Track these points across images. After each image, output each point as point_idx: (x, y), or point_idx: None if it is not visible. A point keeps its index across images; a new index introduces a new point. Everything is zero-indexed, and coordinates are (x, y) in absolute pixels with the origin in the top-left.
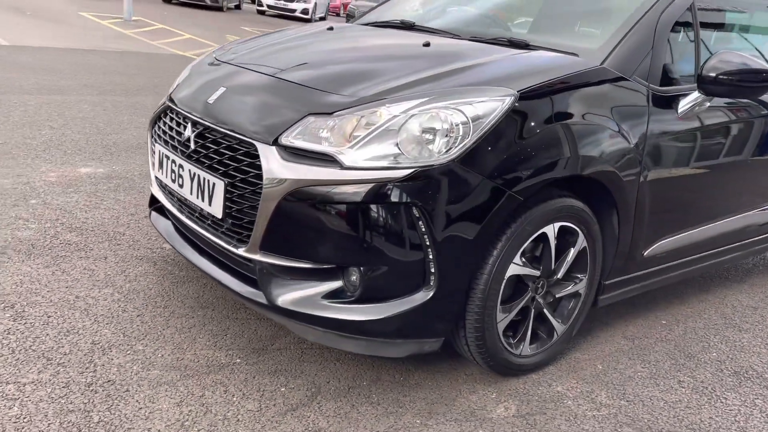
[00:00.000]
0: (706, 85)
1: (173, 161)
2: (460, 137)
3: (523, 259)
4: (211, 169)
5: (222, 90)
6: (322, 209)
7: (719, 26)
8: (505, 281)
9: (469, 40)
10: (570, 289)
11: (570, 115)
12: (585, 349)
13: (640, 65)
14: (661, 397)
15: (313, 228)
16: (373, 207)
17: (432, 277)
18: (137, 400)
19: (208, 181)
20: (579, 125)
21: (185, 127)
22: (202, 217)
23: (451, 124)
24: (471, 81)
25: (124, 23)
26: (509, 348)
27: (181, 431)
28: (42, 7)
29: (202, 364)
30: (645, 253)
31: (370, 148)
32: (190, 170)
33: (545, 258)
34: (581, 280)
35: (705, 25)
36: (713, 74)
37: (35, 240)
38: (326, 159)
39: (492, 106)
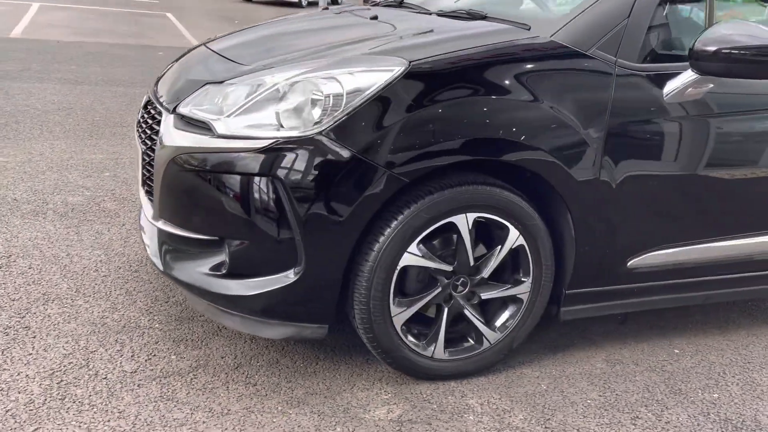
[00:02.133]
0: (702, 62)
1: None
2: (330, 108)
3: (424, 250)
4: (139, 138)
5: (171, 66)
6: (195, 177)
7: None
8: (397, 271)
9: (436, 14)
10: (501, 291)
11: (483, 92)
12: (542, 364)
13: (606, 38)
14: (594, 431)
15: (190, 197)
16: (236, 178)
17: (301, 258)
18: (32, 346)
19: (138, 149)
20: (496, 104)
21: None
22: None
23: (325, 94)
24: (374, 50)
25: None
26: (414, 347)
27: (46, 380)
28: (250, 16)
29: (119, 324)
30: (628, 264)
31: (247, 117)
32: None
33: (460, 252)
34: (522, 283)
35: None
36: (712, 48)
37: (78, 204)
38: (206, 127)
39: (376, 76)
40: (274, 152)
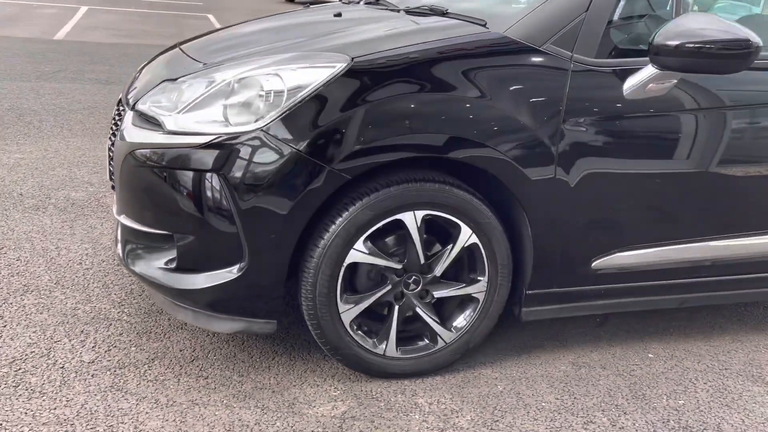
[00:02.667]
0: (662, 56)
1: None
2: (272, 104)
3: (371, 247)
4: (109, 134)
5: (144, 65)
6: (146, 173)
7: None
8: (344, 268)
9: (403, 11)
10: (454, 290)
11: (427, 88)
12: (504, 365)
13: (562, 32)
14: None
15: (143, 192)
16: (181, 173)
17: (245, 254)
18: (0, 336)
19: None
20: (440, 100)
21: None
22: None
23: (266, 91)
24: (324, 47)
25: None
26: (364, 345)
27: (5, 368)
28: None
29: (89, 316)
30: (593, 265)
31: (196, 113)
32: None
33: (409, 250)
34: (477, 282)
35: None
36: (673, 42)
37: (79, 200)
38: (159, 123)
39: (318, 73)
40: (216, 148)
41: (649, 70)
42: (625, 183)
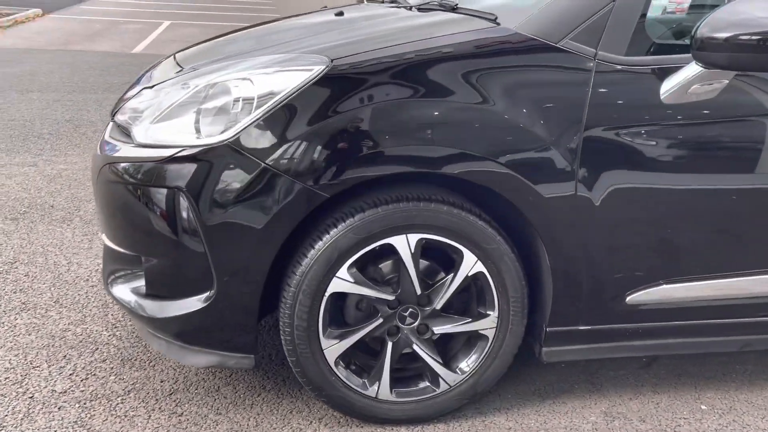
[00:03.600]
0: (708, 52)
1: None
2: (240, 113)
3: (357, 275)
4: None
5: (142, 74)
6: (115, 188)
7: None
8: (326, 298)
9: (415, 7)
10: (457, 326)
11: (419, 93)
12: (522, 413)
13: (584, 26)
14: None
15: (113, 209)
16: (146, 189)
17: (213, 280)
18: None
19: None
20: (433, 107)
21: None
22: None
23: (235, 98)
24: (307, 47)
25: None
26: (353, 385)
27: None
28: None
29: (78, 339)
30: (627, 300)
31: (169, 123)
32: None
33: (403, 279)
34: (485, 316)
35: None
36: (722, 35)
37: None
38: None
39: (293, 77)
40: (180, 162)
41: (692, 69)
42: (664, 202)
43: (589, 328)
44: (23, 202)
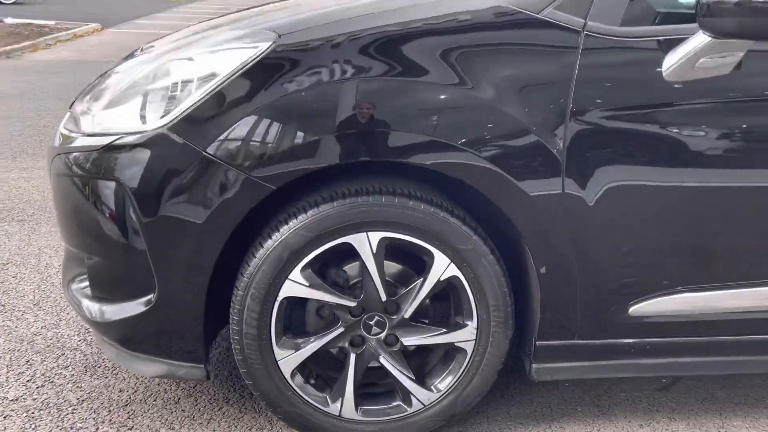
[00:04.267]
0: (716, 18)
1: None
2: (179, 96)
3: (313, 278)
4: None
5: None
6: (61, 182)
7: None
8: (278, 303)
9: None
10: (429, 337)
11: (378, 72)
12: None
13: None
14: None
15: (60, 204)
16: (84, 182)
17: (155, 281)
18: None
19: None
20: (395, 88)
21: None
22: None
23: (173, 82)
24: (264, 23)
25: None
26: (312, 402)
27: None
28: None
29: (47, 344)
30: (630, 311)
31: (117, 109)
32: None
33: (366, 283)
34: (462, 327)
35: None
36: None
37: None
38: None
39: (236, 56)
40: (116, 151)
41: (698, 40)
42: (671, 199)
43: (586, 342)
44: (34, 205)
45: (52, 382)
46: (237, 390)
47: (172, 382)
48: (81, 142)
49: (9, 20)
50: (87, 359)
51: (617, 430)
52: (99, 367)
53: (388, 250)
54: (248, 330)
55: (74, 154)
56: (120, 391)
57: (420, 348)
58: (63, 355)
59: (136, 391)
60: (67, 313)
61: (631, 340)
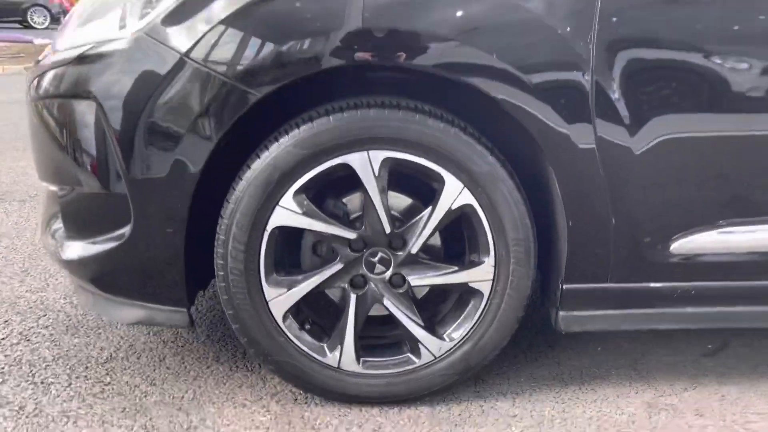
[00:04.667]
0: None
1: None
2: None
3: (306, 205)
4: None
5: None
6: (32, 109)
7: None
8: (267, 234)
9: None
10: (440, 276)
11: None
12: (533, 399)
13: None
14: None
15: (32, 134)
16: (52, 102)
17: (130, 210)
18: None
19: None
20: None
21: None
22: None
23: None
24: None
25: None
26: (307, 350)
27: None
28: None
29: (29, 305)
30: (673, 248)
31: (92, 24)
32: None
33: (368, 211)
34: (477, 264)
35: None
36: None
37: None
38: None
39: None
40: (87, 62)
41: None
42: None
43: (621, 286)
44: (37, 187)
45: (29, 340)
46: (229, 350)
47: (158, 341)
48: (53, 58)
49: (38, 41)
50: (70, 320)
51: (657, 393)
52: (81, 327)
53: (393, 178)
54: (234, 264)
55: (47, 74)
56: (101, 350)
57: (430, 297)
58: (45, 315)
59: (118, 349)
60: (56, 279)
61: (674, 284)
